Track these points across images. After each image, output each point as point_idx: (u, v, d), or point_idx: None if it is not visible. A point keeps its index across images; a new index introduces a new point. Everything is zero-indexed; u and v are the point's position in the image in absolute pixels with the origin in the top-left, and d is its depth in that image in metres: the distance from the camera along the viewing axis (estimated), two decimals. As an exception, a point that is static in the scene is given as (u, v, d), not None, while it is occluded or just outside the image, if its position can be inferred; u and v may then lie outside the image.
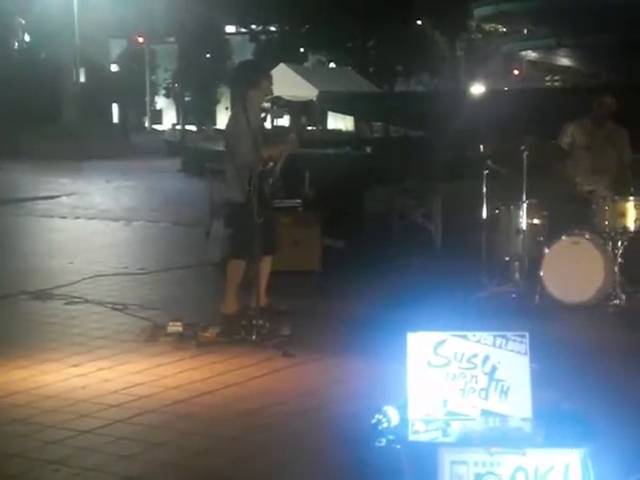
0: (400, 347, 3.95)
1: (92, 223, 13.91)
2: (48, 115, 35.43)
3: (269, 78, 6.71)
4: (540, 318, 6.65)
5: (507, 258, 7.53)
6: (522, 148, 7.25)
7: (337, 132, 42.52)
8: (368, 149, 19.32)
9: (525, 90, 23.94)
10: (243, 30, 56.29)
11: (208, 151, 22.42)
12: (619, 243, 7.27)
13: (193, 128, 52.76)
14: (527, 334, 3.91)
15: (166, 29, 52.78)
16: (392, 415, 4.01)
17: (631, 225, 7.25)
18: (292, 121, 45.97)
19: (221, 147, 7.24)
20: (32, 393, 5.06)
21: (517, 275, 7.48)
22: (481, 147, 7.59)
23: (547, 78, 43.39)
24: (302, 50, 50.11)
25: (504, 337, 3.90)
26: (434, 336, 3.92)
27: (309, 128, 39.93)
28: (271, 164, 6.51)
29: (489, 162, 7.57)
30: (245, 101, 6.42)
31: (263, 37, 53.20)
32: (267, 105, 6.86)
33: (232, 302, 6.74)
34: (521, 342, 3.89)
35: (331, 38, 45.47)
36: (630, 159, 8.04)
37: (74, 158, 29.26)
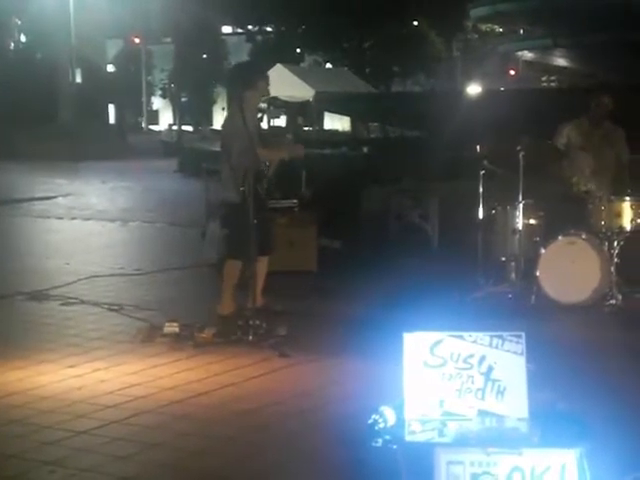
0: (396, 347, 3.95)
1: (88, 224, 13.90)
2: (44, 116, 35.43)
3: (266, 79, 6.72)
4: (536, 318, 6.65)
5: (503, 258, 7.53)
6: (518, 148, 7.26)
7: (334, 132, 42.52)
8: (365, 149, 19.32)
9: (521, 90, 23.95)
10: (239, 30, 56.28)
11: (204, 151, 22.40)
12: (615, 243, 7.28)
13: (190, 128, 52.77)
14: (523, 334, 3.91)
15: (162, 29, 52.79)
16: (388, 415, 4.01)
17: (627, 225, 7.26)
18: (289, 121, 45.99)
19: (217, 147, 7.24)
20: (28, 394, 5.05)
21: (513, 275, 7.49)
22: (477, 147, 7.60)
23: (543, 78, 43.45)
24: (298, 50, 50.11)
25: (500, 337, 3.90)
26: (430, 336, 3.92)
27: (305, 129, 39.97)
28: (267, 164, 6.50)
29: (485, 162, 7.58)
30: (242, 102, 6.42)
31: (259, 37, 53.18)
32: (264, 106, 6.86)
33: (228, 303, 6.74)
34: (517, 342, 3.89)
35: (327, 38, 45.47)
36: (627, 159, 8.04)
37: (70, 159, 29.26)
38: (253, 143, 6.32)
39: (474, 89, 35.11)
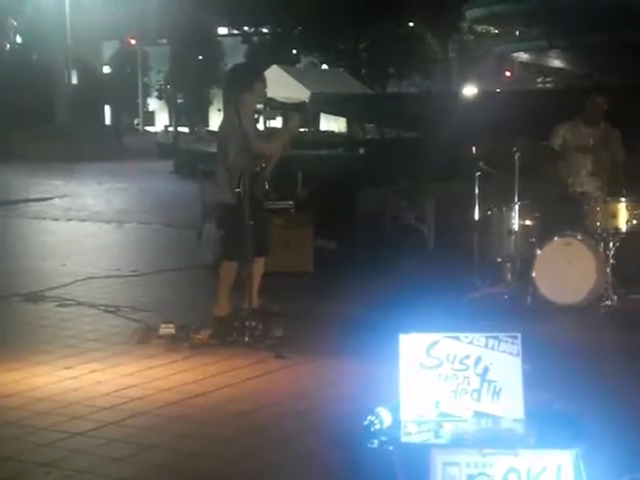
0: (393, 348, 3.95)
1: (84, 225, 13.89)
2: (40, 117, 35.37)
3: (263, 81, 6.71)
4: (532, 319, 6.66)
5: (499, 259, 7.54)
6: (514, 149, 7.27)
7: (330, 133, 42.52)
8: (361, 150, 19.33)
9: (517, 92, 23.96)
10: (235, 32, 56.24)
11: (200, 153, 22.40)
12: (611, 244, 7.29)
13: (185, 130, 52.74)
14: (519, 335, 3.92)
15: (158, 31, 52.70)
16: (384, 416, 4.02)
17: (623, 226, 7.27)
18: (285, 122, 45.97)
19: (213, 149, 7.24)
20: (24, 395, 5.04)
21: (509, 276, 7.50)
22: (473, 148, 7.60)
23: (539, 79, 43.48)
24: (294, 52, 50.11)
25: (496, 338, 3.91)
26: (426, 337, 3.93)
27: (302, 130, 39.91)
28: (263, 165, 6.51)
29: (481, 163, 7.58)
30: (238, 104, 6.42)
31: (255, 39, 53.14)
32: (260, 107, 6.86)
33: (224, 304, 6.73)
34: (513, 343, 3.90)
35: (323, 40, 45.49)
36: (623, 160, 8.05)
37: (66, 160, 29.24)
38: (249, 144, 6.32)
39: (470, 90, 35.14)
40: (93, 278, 8.65)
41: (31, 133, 32.58)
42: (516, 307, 7.08)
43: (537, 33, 21.80)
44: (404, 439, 3.82)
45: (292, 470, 4.02)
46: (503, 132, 7.94)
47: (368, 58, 48.04)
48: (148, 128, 56.84)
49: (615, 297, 7.16)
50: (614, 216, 7.27)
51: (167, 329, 6.29)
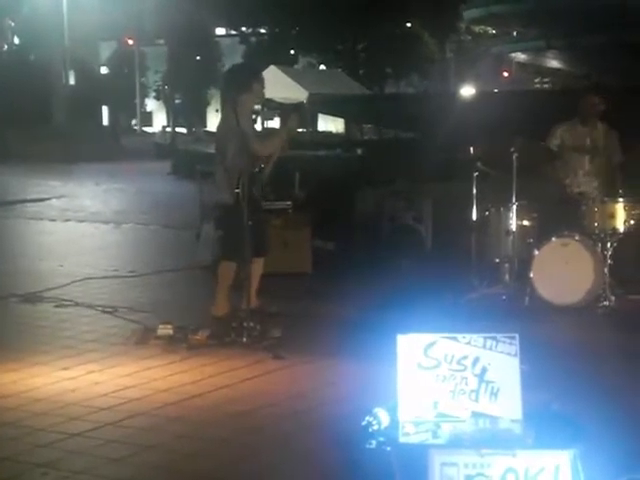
0: (390, 349, 3.95)
1: (82, 226, 13.89)
2: (38, 117, 35.36)
3: (261, 82, 6.71)
4: (530, 320, 6.66)
5: (497, 260, 7.54)
6: (512, 150, 7.27)
7: (328, 134, 42.53)
8: (359, 151, 19.34)
9: (515, 92, 23.96)
10: (233, 32, 56.24)
11: (198, 153, 22.42)
12: (609, 244, 7.29)
13: (183, 130, 52.73)
14: (517, 336, 3.92)
15: (156, 31, 52.71)
16: (382, 417, 4.02)
17: (620, 226, 7.27)
18: (283, 122, 45.90)
19: (211, 149, 7.25)
20: (22, 396, 5.04)
21: (507, 277, 7.50)
22: (471, 149, 7.60)
23: (536, 80, 43.52)
24: (292, 52, 50.11)
25: (494, 339, 3.91)
26: (424, 338, 3.93)
27: (300, 130, 39.89)
28: (262, 166, 6.51)
29: (479, 164, 7.58)
30: (236, 104, 6.42)
31: (253, 39, 53.15)
32: (258, 107, 6.86)
33: (223, 304, 6.74)
34: (511, 344, 3.90)
35: (321, 40, 45.49)
36: (620, 160, 8.06)
37: (64, 160, 29.22)
38: (247, 145, 6.32)
39: (467, 90, 35.17)
40: (91, 279, 8.65)
41: (28, 134, 32.57)
42: (514, 307, 7.08)
43: (535, 33, 21.81)
44: (402, 439, 3.82)
45: (290, 470, 4.02)
46: (501, 132, 7.94)
47: (366, 58, 48.06)
48: (146, 129, 56.80)
49: (613, 297, 7.17)
50: (612, 216, 7.27)
51: (165, 330, 6.28)
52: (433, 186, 10.00)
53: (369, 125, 34.42)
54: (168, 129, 49.69)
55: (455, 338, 3.92)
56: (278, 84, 30.80)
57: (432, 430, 3.82)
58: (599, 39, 17.49)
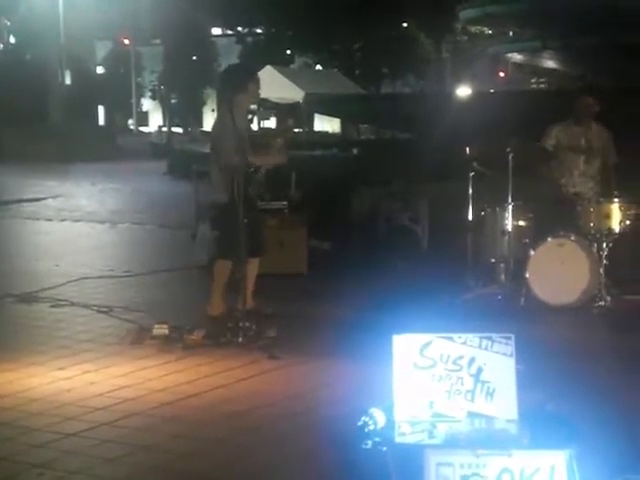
0: (386, 349, 3.95)
1: (78, 225, 13.87)
2: (34, 117, 35.32)
3: (257, 82, 6.73)
4: (526, 320, 6.67)
5: (493, 260, 7.55)
6: (507, 150, 7.28)
7: (324, 134, 42.54)
8: (355, 151, 19.33)
9: (511, 92, 23.95)
10: (229, 32, 56.22)
11: (194, 153, 22.37)
12: (604, 245, 7.30)
13: (179, 130, 52.70)
14: (513, 336, 3.93)
15: (152, 31, 52.67)
16: (378, 417, 4.02)
17: (616, 227, 7.28)
18: (279, 124, 45.97)
19: (207, 149, 7.24)
20: (18, 396, 5.04)
21: (503, 277, 7.50)
22: (467, 149, 7.61)
23: (532, 80, 43.56)
24: (288, 52, 50.10)
25: (490, 339, 3.91)
26: (420, 338, 3.93)
27: (296, 130, 39.91)
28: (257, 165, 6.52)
29: (475, 164, 7.59)
30: (231, 104, 6.44)
31: (249, 39, 53.13)
32: (254, 107, 6.87)
33: (218, 303, 6.75)
34: (507, 344, 3.91)
35: (317, 40, 45.48)
36: (615, 161, 8.07)
37: (60, 160, 29.19)
38: (242, 145, 6.33)
39: (463, 91, 35.16)
40: (86, 279, 8.64)
41: (24, 133, 32.52)
42: (510, 308, 7.08)
43: (531, 34, 21.81)
44: (398, 440, 3.82)
45: (286, 471, 4.02)
46: (497, 133, 7.94)
47: (362, 58, 48.05)
48: (142, 128, 56.78)
49: (608, 298, 7.18)
50: (607, 217, 7.28)
51: (160, 330, 6.28)
52: (429, 186, 10.01)
53: (365, 125, 34.42)
54: (164, 129, 49.67)
55: (451, 338, 3.93)
56: (274, 84, 30.78)
57: (428, 430, 3.82)
58: (594, 40, 17.50)
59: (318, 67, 48.90)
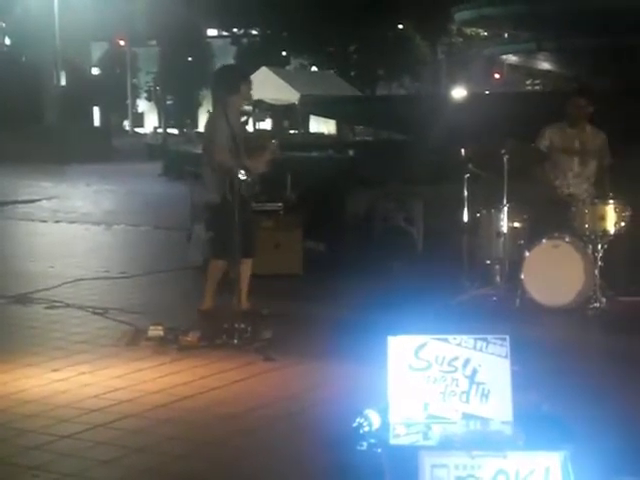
0: (381, 350, 3.95)
1: (73, 227, 13.85)
2: (29, 118, 35.31)
3: (248, 83, 6.76)
4: (521, 321, 6.67)
5: (488, 261, 7.56)
6: (503, 151, 7.28)
7: (319, 135, 42.57)
8: (350, 152, 19.34)
9: (506, 94, 23.96)
10: (225, 33, 56.22)
11: (189, 154, 22.33)
12: (599, 246, 7.30)
13: (175, 131, 52.69)
14: (508, 337, 3.92)
15: (147, 32, 52.67)
16: (373, 418, 4.02)
17: (611, 228, 7.29)
18: (274, 124, 45.98)
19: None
20: (12, 398, 5.03)
21: (498, 278, 7.51)
22: (462, 151, 7.61)
23: (528, 82, 43.60)
24: (284, 53, 50.12)
25: (485, 340, 3.91)
26: (415, 339, 3.93)
27: (291, 131, 39.94)
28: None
29: (470, 166, 7.59)
30: (226, 104, 6.47)
31: (245, 40, 53.15)
32: (249, 108, 6.88)
33: (208, 300, 6.84)
34: (502, 345, 3.90)
35: (313, 42, 45.50)
36: (609, 163, 8.07)
37: (55, 161, 29.16)
38: (236, 145, 6.35)
39: (459, 92, 35.22)
40: (82, 280, 8.63)
41: (20, 134, 32.48)
42: (505, 309, 7.09)
43: (526, 36, 21.82)
44: (393, 441, 3.82)
45: (281, 472, 4.02)
46: (492, 134, 7.94)
47: (358, 60, 48.10)
48: (137, 129, 56.75)
49: (603, 299, 7.18)
50: (602, 218, 7.29)
51: (156, 331, 6.27)
52: (424, 188, 10.01)
53: (361, 126, 34.43)
54: (159, 130, 49.71)
55: (446, 339, 3.93)
56: (270, 85, 30.81)
57: (423, 432, 3.82)
58: (589, 42, 17.52)
59: (314, 68, 48.95)
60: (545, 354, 5.74)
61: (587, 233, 7.33)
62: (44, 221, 14.55)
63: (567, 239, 7.34)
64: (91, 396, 5.05)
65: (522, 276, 7.26)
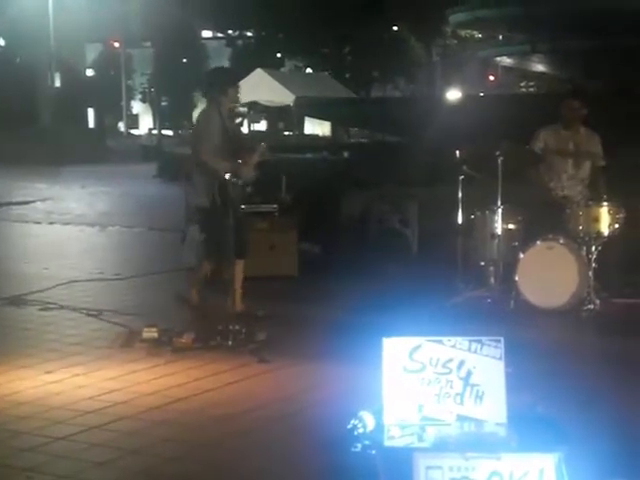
0: (376, 352, 3.95)
1: (67, 228, 13.83)
2: (23, 119, 35.20)
3: (236, 87, 6.80)
4: (515, 323, 6.68)
5: (482, 263, 7.56)
6: (497, 153, 7.29)
7: (314, 137, 42.58)
8: (345, 154, 19.35)
9: (501, 96, 24.01)
10: (220, 35, 56.21)
11: (184, 156, 22.31)
12: (593, 248, 7.31)
13: (170, 133, 52.66)
14: (502, 339, 3.93)
15: (142, 33, 52.62)
16: (368, 420, 4.02)
17: (605, 230, 7.30)
18: (269, 126, 45.97)
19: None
20: (6, 400, 5.02)
21: (492, 280, 7.51)
22: (457, 152, 7.62)
23: (522, 84, 43.68)
24: (279, 55, 50.10)
25: (479, 342, 3.92)
26: (409, 341, 3.93)
27: (286, 133, 39.95)
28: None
29: (465, 167, 7.60)
30: (219, 105, 6.53)
31: (240, 42, 53.13)
32: (244, 110, 6.90)
33: (193, 294, 7.04)
34: (496, 347, 3.91)
35: (308, 44, 45.51)
36: (603, 165, 8.08)
37: (49, 163, 29.09)
38: (226, 146, 6.39)
39: (453, 94, 35.25)
40: (76, 282, 8.62)
41: (14, 135, 32.41)
42: (499, 311, 7.09)
43: (520, 38, 21.87)
44: (387, 443, 3.82)
45: (276, 474, 4.02)
46: (486, 136, 7.95)
47: (352, 62, 48.09)
48: (132, 131, 56.71)
49: (597, 301, 7.19)
50: (596, 220, 7.30)
51: (150, 333, 6.27)
52: (419, 190, 10.02)
53: (356, 128, 34.46)
54: (154, 131, 49.62)
55: (440, 341, 3.93)
56: (265, 87, 30.80)
57: (417, 433, 3.83)
58: (583, 44, 17.56)
59: (308, 70, 48.92)
60: (539, 356, 5.75)
61: (581, 235, 7.34)
62: (38, 222, 14.52)
63: (561, 241, 7.35)
64: (85, 398, 5.04)
65: (516, 278, 7.27)
